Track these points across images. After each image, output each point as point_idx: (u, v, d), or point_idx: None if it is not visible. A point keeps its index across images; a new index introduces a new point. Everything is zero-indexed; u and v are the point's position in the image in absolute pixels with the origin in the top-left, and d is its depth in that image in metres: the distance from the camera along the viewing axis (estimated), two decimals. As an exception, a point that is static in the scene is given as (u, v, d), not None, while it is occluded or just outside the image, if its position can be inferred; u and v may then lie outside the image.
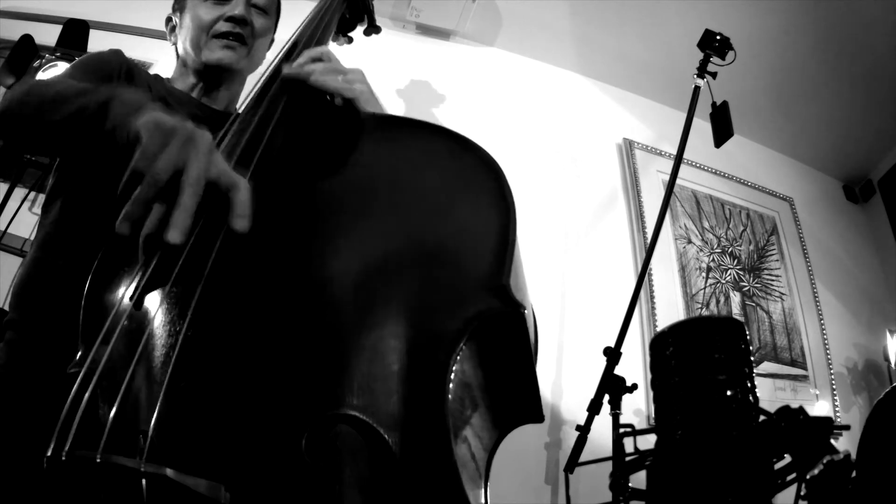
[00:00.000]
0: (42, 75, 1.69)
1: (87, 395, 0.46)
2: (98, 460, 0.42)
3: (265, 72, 0.88)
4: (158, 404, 0.45)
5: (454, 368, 0.49)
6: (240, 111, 1.05)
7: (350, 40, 1.31)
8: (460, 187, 0.63)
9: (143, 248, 0.55)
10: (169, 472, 0.41)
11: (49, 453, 0.43)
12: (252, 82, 1.23)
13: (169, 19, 1.12)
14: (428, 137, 0.69)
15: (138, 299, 0.54)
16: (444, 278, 0.55)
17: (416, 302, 0.54)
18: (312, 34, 0.97)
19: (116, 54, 1.01)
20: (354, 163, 0.67)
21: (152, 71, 1.10)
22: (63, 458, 0.43)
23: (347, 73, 0.82)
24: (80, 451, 0.43)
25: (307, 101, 0.78)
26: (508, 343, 0.54)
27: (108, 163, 0.63)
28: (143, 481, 0.41)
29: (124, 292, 0.56)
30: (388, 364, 0.50)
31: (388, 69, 2.25)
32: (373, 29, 1.36)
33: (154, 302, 0.54)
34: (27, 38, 1.79)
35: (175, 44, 1.10)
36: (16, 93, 0.75)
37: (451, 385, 0.48)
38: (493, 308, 0.52)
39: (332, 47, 1.02)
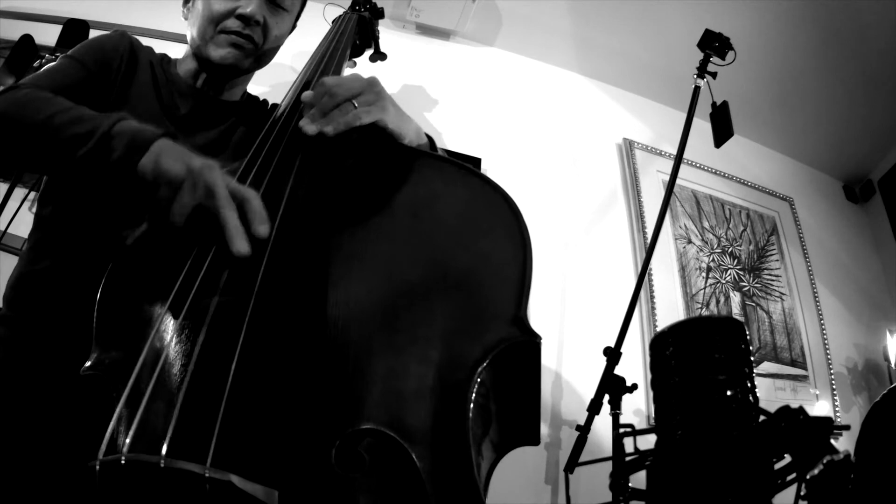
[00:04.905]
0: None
1: (144, 401, 0.47)
2: (162, 465, 0.42)
3: (283, 108, 0.87)
4: (220, 413, 0.47)
5: (474, 390, 0.53)
6: (248, 96, 1.11)
7: (354, 64, 1.33)
8: (483, 223, 0.67)
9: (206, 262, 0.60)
10: (234, 478, 0.43)
11: (101, 457, 0.44)
12: (261, 79, 1.23)
13: None
14: (451, 172, 0.73)
15: (188, 311, 0.56)
16: (467, 307, 0.59)
17: (441, 328, 0.57)
18: (328, 65, 1.00)
19: (119, 38, 0.99)
20: (383, 194, 0.70)
21: None
22: (122, 462, 0.43)
23: (361, 94, 0.75)
24: (142, 455, 0.44)
25: (328, 145, 0.76)
26: (521, 369, 0.58)
27: (101, 181, 0.67)
28: (207, 486, 0.42)
29: (169, 302, 0.57)
30: (414, 384, 0.54)
31: (388, 69, 2.24)
32: (378, 56, 1.38)
33: (201, 314, 0.56)
34: (27, 38, 1.79)
35: (187, 19, 1.06)
36: (4, 104, 0.72)
37: (471, 405, 0.52)
38: (513, 337, 0.56)
39: None
